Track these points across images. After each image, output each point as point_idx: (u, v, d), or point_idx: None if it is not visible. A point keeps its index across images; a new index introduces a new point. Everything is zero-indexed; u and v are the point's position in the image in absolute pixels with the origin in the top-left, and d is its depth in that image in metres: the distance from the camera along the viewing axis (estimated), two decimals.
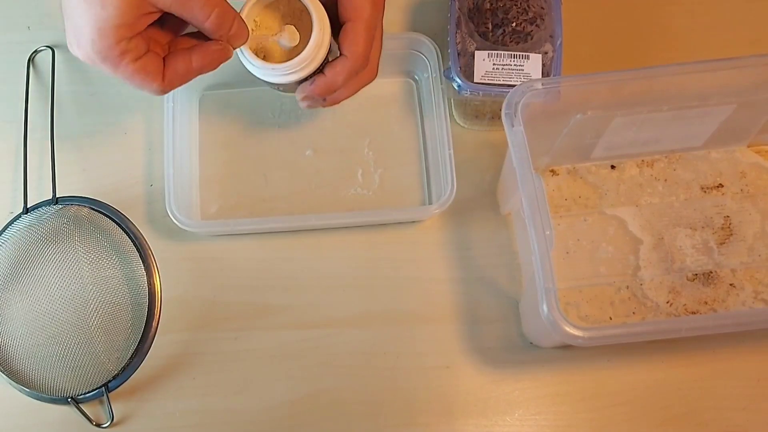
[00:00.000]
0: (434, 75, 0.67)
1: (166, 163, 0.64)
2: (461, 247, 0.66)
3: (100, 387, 0.59)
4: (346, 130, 0.69)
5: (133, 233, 0.61)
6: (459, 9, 0.64)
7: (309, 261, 0.66)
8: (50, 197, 0.62)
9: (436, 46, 0.66)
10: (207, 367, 0.63)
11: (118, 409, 0.61)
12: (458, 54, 0.63)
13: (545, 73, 0.63)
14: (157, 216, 0.66)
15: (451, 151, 0.64)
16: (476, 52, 0.63)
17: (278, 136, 0.69)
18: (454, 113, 0.69)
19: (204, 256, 0.66)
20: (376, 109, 0.70)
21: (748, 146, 0.68)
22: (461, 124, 0.69)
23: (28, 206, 0.62)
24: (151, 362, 0.60)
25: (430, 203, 0.67)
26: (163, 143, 0.64)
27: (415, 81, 0.71)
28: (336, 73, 0.57)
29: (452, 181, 0.63)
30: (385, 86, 0.70)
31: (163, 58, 0.53)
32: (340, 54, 0.56)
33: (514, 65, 0.63)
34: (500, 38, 0.63)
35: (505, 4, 0.64)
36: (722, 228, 0.66)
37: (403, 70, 0.70)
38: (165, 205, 0.62)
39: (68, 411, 0.60)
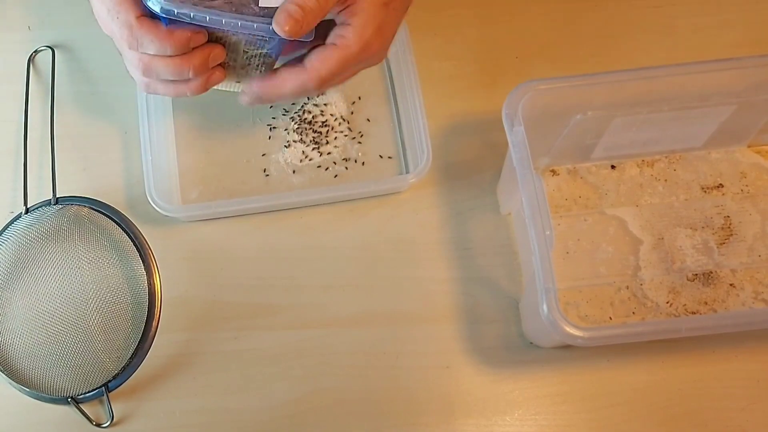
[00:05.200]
0: (401, 47, 0.67)
1: (143, 149, 0.64)
2: (461, 247, 0.66)
3: (100, 387, 0.59)
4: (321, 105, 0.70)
5: (133, 233, 0.61)
6: None
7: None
8: (50, 197, 0.62)
9: None
10: (207, 367, 0.63)
11: (118, 409, 0.61)
12: None
13: None
14: (158, 216, 0.65)
15: (425, 120, 0.65)
16: None
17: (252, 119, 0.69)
18: None
19: (204, 257, 0.66)
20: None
21: (748, 146, 0.68)
22: None
23: (28, 206, 0.62)
24: (151, 362, 0.60)
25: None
26: (139, 128, 0.65)
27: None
28: (284, 80, 0.55)
29: (427, 150, 0.64)
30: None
31: None
32: (304, 58, 0.54)
33: None
34: None
35: None
36: (722, 228, 0.66)
37: None
38: (145, 192, 0.62)
39: (68, 411, 0.60)
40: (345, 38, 0.53)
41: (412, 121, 0.66)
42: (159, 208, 0.63)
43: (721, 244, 0.65)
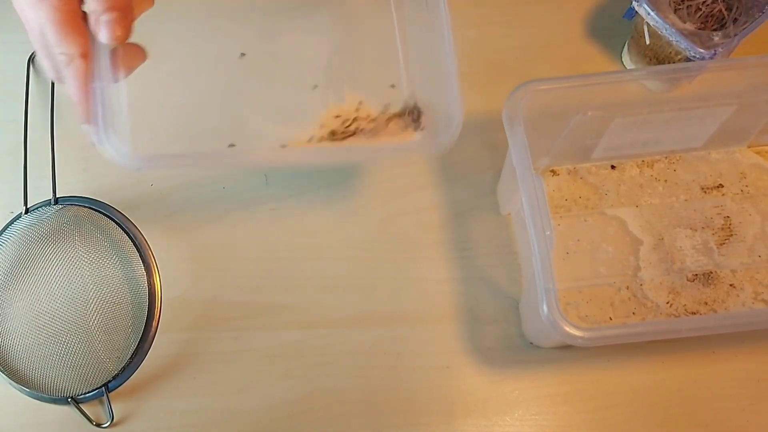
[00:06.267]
0: None
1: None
2: (461, 247, 0.66)
3: (100, 387, 0.59)
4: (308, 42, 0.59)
5: (133, 233, 0.61)
6: None
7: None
8: (50, 197, 0.62)
9: None
10: (207, 367, 0.63)
11: (118, 409, 0.61)
12: None
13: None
14: (158, 216, 0.65)
15: (455, 59, 0.51)
16: None
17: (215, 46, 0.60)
18: (625, 51, 0.70)
19: (204, 257, 0.66)
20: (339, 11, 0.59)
21: (748, 147, 0.68)
22: (627, 64, 0.70)
23: (28, 206, 0.62)
24: (151, 362, 0.60)
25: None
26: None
27: None
28: None
29: (459, 102, 0.50)
30: None
31: None
32: None
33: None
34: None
35: None
36: (722, 228, 0.66)
37: None
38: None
39: (68, 411, 0.60)
40: None
41: (432, 62, 0.53)
42: (117, 152, 0.50)
43: (721, 244, 0.65)
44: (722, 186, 0.67)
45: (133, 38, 0.51)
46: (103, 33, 0.48)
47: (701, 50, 0.61)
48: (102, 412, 0.61)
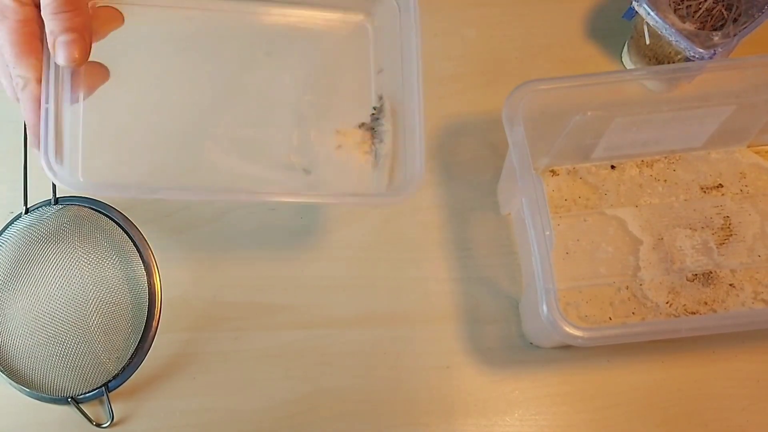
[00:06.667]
0: (404, 13, 0.54)
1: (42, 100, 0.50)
2: (461, 247, 0.66)
3: (100, 387, 0.59)
4: (282, 76, 0.58)
5: (133, 233, 0.61)
6: None
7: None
8: (50, 197, 0.62)
9: None
10: (207, 367, 0.63)
11: (118, 409, 0.61)
12: None
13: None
14: (157, 216, 0.65)
15: (422, 117, 0.51)
16: None
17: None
18: (625, 51, 0.70)
19: (204, 256, 0.66)
20: (315, 49, 0.58)
21: (748, 147, 0.68)
22: (627, 64, 0.70)
23: (28, 206, 0.62)
24: (151, 362, 0.60)
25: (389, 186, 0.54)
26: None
27: (371, 19, 0.58)
28: None
29: (421, 160, 0.51)
30: (330, 23, 0.59)
31: None
32: None
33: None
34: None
35: None
36: (722, 228, 0.66)
37: (354, 5, 0.58)
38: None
39: (68, 411, 0.60)
40: None
41: (402, 117, 0.55)
42: (59, 179, 0.49)
43: (720, 244, 0.65)
44: (722, 186, 0.67)
45: (99, 57, 0.51)
46: (60, 55, 0.47)
47: (701, 50, 0.61)
48: (102, 412, 0.61)
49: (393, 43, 0.56)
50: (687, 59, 0.63)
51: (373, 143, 0.57)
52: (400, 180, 0.54)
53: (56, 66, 0.48)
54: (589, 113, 0.60)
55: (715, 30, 0.63)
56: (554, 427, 0.61)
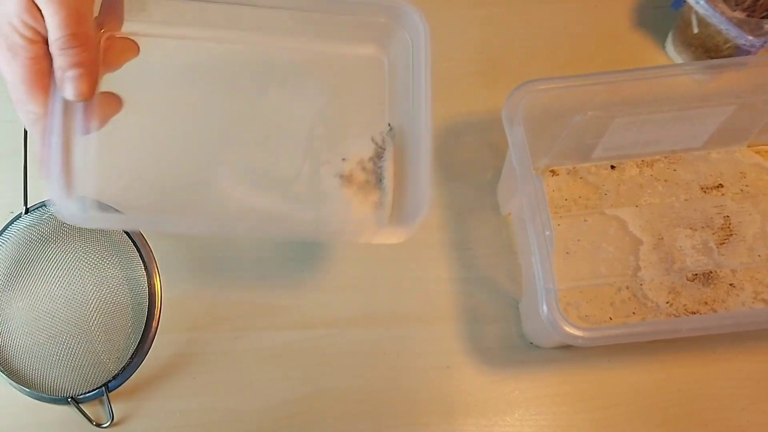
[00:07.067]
0: (416, 49, 0.54)
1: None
2: (461, 247, 0.66)
3: (100, 387, 0.59)
4: (292, 109, 0.58)
5: (132, 233, 0.61)
6: None
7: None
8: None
9: (423, 21, 0.54)
10: (207, 367, 0.63)
11: (118, 409, 0.61)
12: None
13: None
14: None
15: (428, 154, 0.52)
16: None
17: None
18: (669, 39, 0.70)
19: (204, 256, 0.66)
20: (328, 81, 0.58)
21: (748, 146, 0.68)
22: (671, 54, 0.70)
23: (28, 206, 0.62)
24: (151, 362, 0.60)
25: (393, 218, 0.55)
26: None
27: (386, 53, 0.58)
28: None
29: (426, 195, 0.50)
30: (344, 56, 0.59)
31: None
32: None
33: None
34: None
35: None
36: (722, 228, 0.66)
37: (368, 38, 0.58)
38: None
39: (68, 411, 0.60)
40: None
41: (410, 153, 0.54)
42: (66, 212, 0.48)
43: (720, 244, 0.65)
44: (722, 186, 0.67)
45: (112, 86, 0.51)
46: (68, 90, 0.48)
47: (751, 38, 0.61)
48: (102, 412, 0.61)
49: (406, 77, 0.56)
50: (737, 48, 0.62)
51: (378, 177, 0.57)
52: (404, 212, 0.53)
53: (65, 100, 0.49)
54: (589, 113, 0.60)
55: (765, 18, 0.63)
56: (554, 427, 0.61)
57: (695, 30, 0.65)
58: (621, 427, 0.61)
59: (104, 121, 0.52)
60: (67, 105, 0.49)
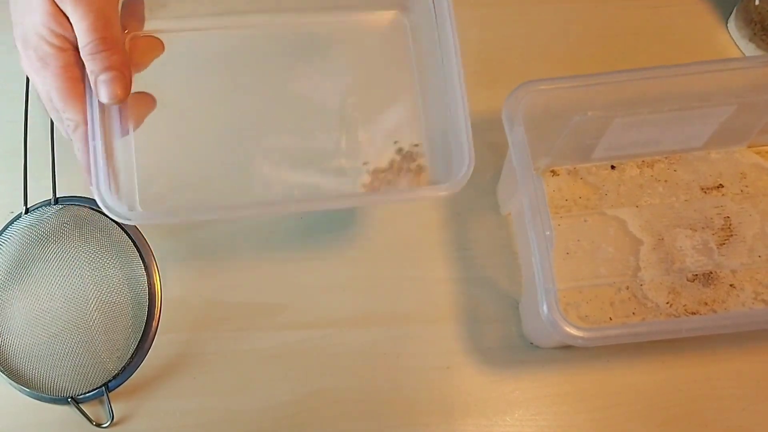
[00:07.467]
0: (438, 5, 0.54)
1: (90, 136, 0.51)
2: (461, 247, 0.66)
3: (100, 387, 0.59)
4: (326, 83, 0.59)
5: (132, 233, 0.61)
6: None
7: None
8: (50, 197, 0.62)
9: None
10: (207, 367, 0.63)
11: (118, 409, 0.61)
12: None
13: None
14: None
15: (467, 110, 0.52)
16: None
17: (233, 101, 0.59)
18: (732, 20, 0.70)
19: (204, 256, 0.66)
20: (354, 50, 0.59)
21: (748, 147, 0.68)
22: (734, 35, 0.70)
23: (28, 206, 0.62)
24: (151, 362, 0.60)
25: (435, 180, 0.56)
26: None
27: (406, 15, 0.59)
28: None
29: (469, 150, 0.52)
30: (366, 23, 0.59)
31: None
32: None
33: None
34: None
35: None
36: (722, 229, 0.66)
37: (387, 3, 0.59)
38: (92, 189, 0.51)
39: (68, 411, 0.60)
40: None
41: (443, 112, 0.55)
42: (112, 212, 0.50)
43: (721, 244, 0.65)
44: (722, 186, 0.67)
45: (142, 86, 0.52)
46: (103, 94, 0.48)
47: None
48: (102, 412, 0.61)
49: (430, 36, 0.55)
50: None
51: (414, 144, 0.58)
52: (448, 168, 0.54)
53: (101, 103, 0.50)
54: (589, 113, 0.60)
55: None
56: (554, 427, 0.61)
57: (757, 1, 0.64)
58: (621, 427, 0.61)
59: (140, 121, 0.53)
60: (103, 109, 0.50)
